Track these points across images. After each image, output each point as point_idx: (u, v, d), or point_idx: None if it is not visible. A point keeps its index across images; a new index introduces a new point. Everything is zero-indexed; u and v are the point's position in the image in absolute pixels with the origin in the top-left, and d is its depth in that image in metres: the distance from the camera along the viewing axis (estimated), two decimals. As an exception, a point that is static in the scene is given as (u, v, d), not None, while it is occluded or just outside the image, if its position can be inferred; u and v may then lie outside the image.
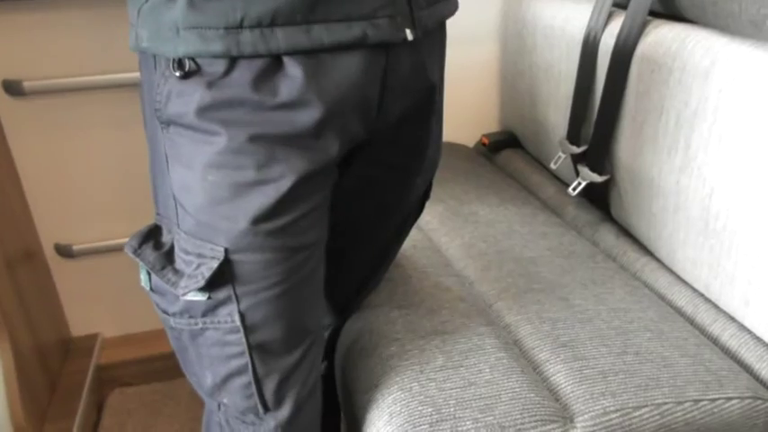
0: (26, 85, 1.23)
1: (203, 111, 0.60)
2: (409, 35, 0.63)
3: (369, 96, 0.65)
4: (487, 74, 1.53)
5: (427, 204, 0.93)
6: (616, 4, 1.07)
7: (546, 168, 1.36)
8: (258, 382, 0.70)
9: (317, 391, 0.77)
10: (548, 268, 1.00)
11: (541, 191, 1.31)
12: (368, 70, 0.63)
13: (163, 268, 0.68)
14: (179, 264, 0.68)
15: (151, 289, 0.71)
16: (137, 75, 1.21)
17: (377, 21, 0.61)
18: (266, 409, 0.72)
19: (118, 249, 1.41)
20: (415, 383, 0.76)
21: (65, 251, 1.41)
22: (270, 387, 0.71)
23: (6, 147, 1.29)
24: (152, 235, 0.71)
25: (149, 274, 0.70)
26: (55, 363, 1.40)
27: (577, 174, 1.15)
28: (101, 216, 1.40)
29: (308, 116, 0.61)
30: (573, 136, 1.16)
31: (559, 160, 1.21)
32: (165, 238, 0.70)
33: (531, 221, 1.16)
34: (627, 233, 1.11)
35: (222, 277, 0.65)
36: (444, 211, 1.19)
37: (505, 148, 1.51)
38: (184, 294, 0.66)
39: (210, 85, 0.59)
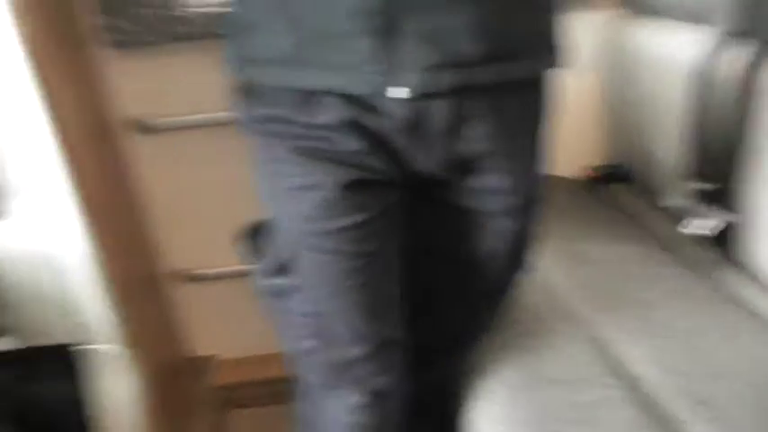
0: (153, 123, 1.32)
1: (257, 122, 0.73)
2: (392, 93, 0.65)
3: (397, 140, 0.70)
4: (592, 104, 1.50)
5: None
6: (729, 33, 1.02)
7: (657, 204, 1.33)
8: (324, 361, 0.81)
9: (395, 395, 0.83)
10: (670, 313, 0.97)
11: (655, 229, 1.27)
12: (394, 114, 0.67)
13: (256, 252, 0.83)
14: (269, 252, 0.81)
15: (254, 272, 0.85)
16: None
17: (355, 74, 0.65)
18: (332, 388, 0.81)
19: (237, 275, 1.48)
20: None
21: (187, 276, 1.50)
22: (334, 371, 0.81)
23: (137, 179, 1.39)
24: (257, 227, 0.86)
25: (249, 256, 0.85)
26: (178, 381, 1.48)
27: (696, 211, 1.12)
28: (221, 243, 1.47)
29: (342, 139, 0.69)
30: (690, 172, 1.12)
31: (675, 197, 1.17)
32: (266, 229, 0.84)
33: (647, 261, 1.13)
34: (752, 276, 1.07)
35: (290, 268, 0.77)
36: (553, 249, 1.17)
37: (613, 181, 1.47)
38: (263, 277, 0.81)
39: (262, 102, 0.72)
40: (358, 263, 0.74)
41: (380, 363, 0.80)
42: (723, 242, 1.11)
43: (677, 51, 1.12)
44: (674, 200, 1.18)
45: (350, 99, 0.67)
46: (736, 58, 0.95)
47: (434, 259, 0.86)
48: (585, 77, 1.47)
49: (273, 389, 1.51)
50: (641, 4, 1.29)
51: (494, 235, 0.83)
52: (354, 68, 0.65)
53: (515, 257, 0.88)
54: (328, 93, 0.67)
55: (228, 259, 1.47)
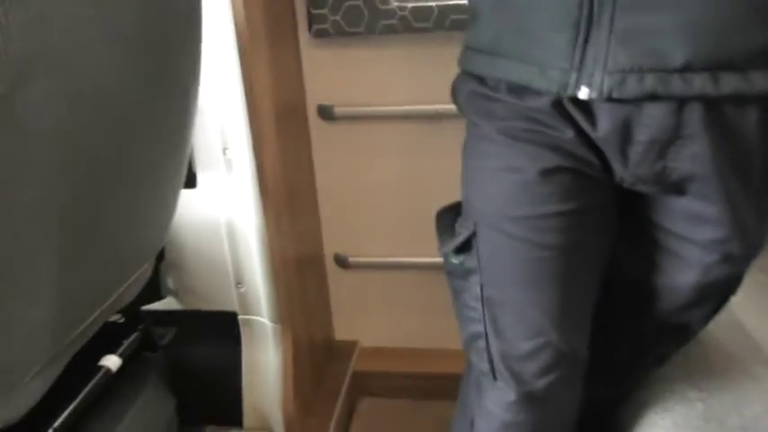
0: (337, 110, 1.36)
1: (467, 102, 0.75)
2: (583, 94, 0.61)
3: (604, 142, 0.65)
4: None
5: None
6: None
7: None
8: (489, 352, 0.78)
9: (558, 405, 0.79)
10: None
11: None
12: (608, 116, 0.63)
13: (445, 232, 0.82)
14: (456, 231, 0.79)
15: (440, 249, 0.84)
16: (436, 107, 1.30)
17: (548, 70, 0.63)
18: (495, 377, 0.79)
19: (389, 267, 1.50)
20: (720, 486, 0.66)
21: (342, 261, 1.53)
22: (498, 362, 0.77)
23: (311, 164, 1.45)
24: (458, 206, 0.83)
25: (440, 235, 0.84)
26: (321, 362, 1.52)
27: None
28: (380, 235, 1.49)
29: (556, 123, 0.66)
30: None
31: None
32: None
33: None
34: None
35: (471, 248, 0.76)
36: (751, 284, 1.03)
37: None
38: (444, 253, 0.80)
39: (478, 82, 0.73)
40: (542, 254, 0.71)
41: (547, 365, 0.76)
42: None
43: None
44: None
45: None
46: None
47: (619, 279, 0.80)
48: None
49: (409, 383, 1.51)
50: None
51: (688, 267, 0.74)
52: (545, 64, 0.63)
53: (709, 298, 0.79)
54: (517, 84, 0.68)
55: (385, 250, 1.49)
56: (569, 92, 0.62)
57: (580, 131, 0.66)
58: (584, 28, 0.60)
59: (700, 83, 0.59)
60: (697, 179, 0.65)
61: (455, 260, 0.79)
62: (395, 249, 1.49)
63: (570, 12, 0.60)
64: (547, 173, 0.68)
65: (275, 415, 1.31)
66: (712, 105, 0.60)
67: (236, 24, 1.05)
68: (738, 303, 1.00)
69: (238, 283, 1.26)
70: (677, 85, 0.59)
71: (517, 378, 0.77)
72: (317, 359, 1.50)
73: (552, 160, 0.67)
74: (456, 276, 0.81)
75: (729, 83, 0.59)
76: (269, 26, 1.18)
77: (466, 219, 0.77)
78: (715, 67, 0.58)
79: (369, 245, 1.51)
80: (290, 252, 1.31)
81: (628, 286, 0.81)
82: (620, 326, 0.85)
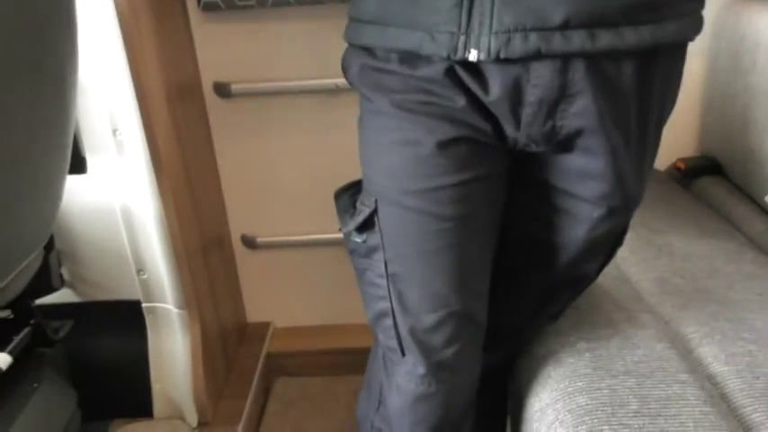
0: (234, 87, 1.33)
1: (359, 76, 0.73)
2: (473, 56, 0.62)
3: (496, 104, 0.66)
4: (688, 93, 1.40)
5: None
6: None
7: (754, 201, 1.22)
8: (396, 327, 0.78)
9: (463, 373, 0.81)
10: (759, 316, 0.89)
11: (748, 225, 1.18)
12: (500, 78, 0.64)
13: (346, 211, 0.81)
14: (357, 209, 0.79)
15: (344, 232, 0.83)
16: (335, 80, 1.29)
17: (437, 34, 0.63)
18: (403, 353, 0.79)
19: (298, 245, 1.48)
20: (606, 427, 0.70)
21: (250, 242, 1.51)
22: (406, 335, 0.78)
23: (211, 143, 1.41)
24: (356, 185, 0.82)
25: (340, 216, 0.83)
26: (232, 345, 1.50)
27: (798, 211, 1.02)
28: (287, 213, 1.47)
29: (446, 92, 0.67)
30: (796, 168, 1.03)
31: (777, 194, 1.08)
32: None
33: (737, 259, 1.04)
34: None
35: (372, 225, 0.75)
36: (635, 239, 1.10)
37: (704, 174, 1.37)
38: (347, 232, 0.79)
39: (369, 55, 0.71)
40: (443, 226, 0.72)
41: (452, 334, 0.77)
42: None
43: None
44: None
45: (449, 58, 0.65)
46: None
47: (515, 239, 0.83)
48: (689, 65, 1.37)
49: (324, 360, 1.51)
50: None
51: (579, 223, 0.77)
52: (434, 29, 0.63)
53: (599, 250, 0.83)
54: (406, 52, 0.67)
55: (293, 228, 1.48)
56: (459, 55, 0.63)
57: (473, 98, 0.67)
58: None
59: (579, 40, 0.61)
60: (584, 135, 0.68)
61: (358, 239, 0.78)
62: (303, 227, 1.48)
63: None
64: (443, 145, 0.68)
65: (187, 402, 1.28)
66: (592, 62, 0.63)
67: (115, 0, 1.00)
68: (623, 258, 1.07)
69: (139, 270, 1.21)
70: (558, 43, 0.61)
71: (425, 351, 0.78)
72: (229, 343, 1.47)
73: (448, 131, 0.68)
74: (359, 255, 0.80)
75: (604, 39, 0.61)
76: (153, 0, 1.13)
77: (366, 196, 0.76)
78: (591, 24, 0.61)
79: (276, 224, 1.49)
80: (192, 235, 1.27)
81: (523, 246, 0.83)
82: (518, 285, 0.87)
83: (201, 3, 1.25)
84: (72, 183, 1.12)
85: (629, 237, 1.10)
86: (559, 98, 0.65)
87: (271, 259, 1.53)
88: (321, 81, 1.32)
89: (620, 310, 0.91)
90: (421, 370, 0.79)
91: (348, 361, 1.49)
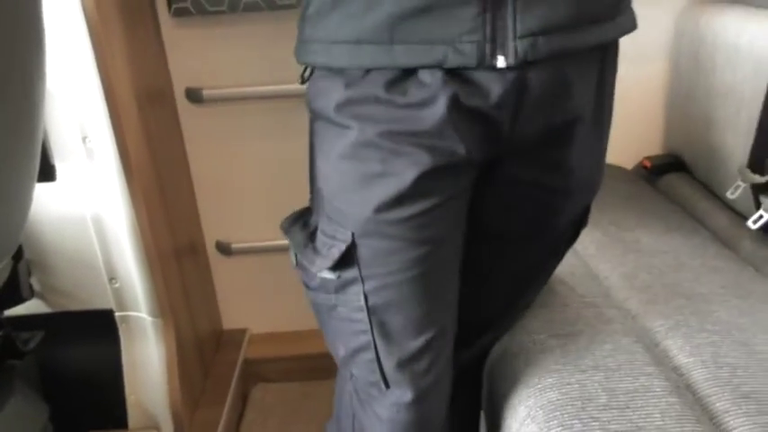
0: (205, 93, 1.33)
1: (340, 107, 0.68)
2: (501, 63, 0.62)
3: (498, 110, 0.66)
4: (653, 93, 1.44)
5: (584, 229, 0.88)
6: None
7: (717, 196, 1.25)
8: (379, 360, 0.75)
9: (442, 385, 0.80)
10: (723, 308, 0.91)
11: (712, 221, 1.21)
12: (498, 86, 0.64)
13: (305, 246, 0.76)
14: (318, 244, 0.75)
15: (297, 265, 0.79)
16: (305, 85, 1.29)
17: (461, 46, 0.62)
18: (387, 385, 0.76)
19: (273, 250, 1.48)
20: (577, 421, 0.72)
21: (224, 248, 1.50)
22: (390, 366, 0.75)
23: (183, 148, 1.40)
24: (302, 216, 0.81)
25: (296, 251, 0.79)
26: (208, 353, 1.49)
27: (759, 205, 1.05)
28: (261, 218, 1.47)
29: (432, 115, 0.65)
30: (756, 164, 1.06)
31: (738, 189, 1.10)
32: (313, 219, 0.78)
33: (702, 254, 1.07)
34: (816, 276, 0.99)
35: (349, 259, 0.71)
36: (602, 236, 1.12)
37: (669, 172, 1.41)
38: (318, 272, 0.74)
39: (349, 85, 0.67)
40: (423, 250, 0.70)
41: (435, 355, 0.76)
42: (787, 239, 1.05)
43: (756, 40, 1.06)
44: (738, 193, 1.11)
45: (448, 73, 0.64)
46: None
47: (486, 237, 0.82)
48: (653, 66, 1.41)
49: (302, 365, 1.51)
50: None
51: (556, 213, 0.79)
52: (456, 40, 0.62)
53: (570, 235, 0.86)
54: (426, 68, 0.64)
55: (268, 234, 1.48)
56: (487, 63, 0.62)
57: (466, 117, 0.66)
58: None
59: (581, 37, 0.66)
60: (572, 126, 0.71)
61: (330, 275, 0.73)
62: (278, 232, 1.46)
63: None
64: (426, 173, 0.67)
65: (162, 412, 1.27)
66: (584, 55, 0.67)
67: (84, 4, 1.00)
68: (592, 254, 1.09)
69: (111, 278, 1.20)
70: (571, 41, 0.65)
71: (413, 377, 0.76)
72: (205, 350, 1.47)
73: (429, 160, 0.66)
74: (327, 291, 0.76)
75: (599, 32, 0.67)
76: (123, 6, 1.12)
77: (336, 230, 0.72)
78: (594, 20, 0.66)
79: (251, 229, 1.49)
80: (165, 242, 1.26)
81: (496, 241, 0.83)
82: (492, 280, 0.88)
83: (172, 8, 1.25)
84: (41, 191, 1.11)
85: (597, 235, 1.13)
86: (559, 92, 0.67)
87: (246, 265, 1.52)
88: (294, 86, 1.31)
89: (588, 306, 0.93)
90: (408, 397, 0.76)
91: (326, 365, 1.48)
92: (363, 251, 0.71)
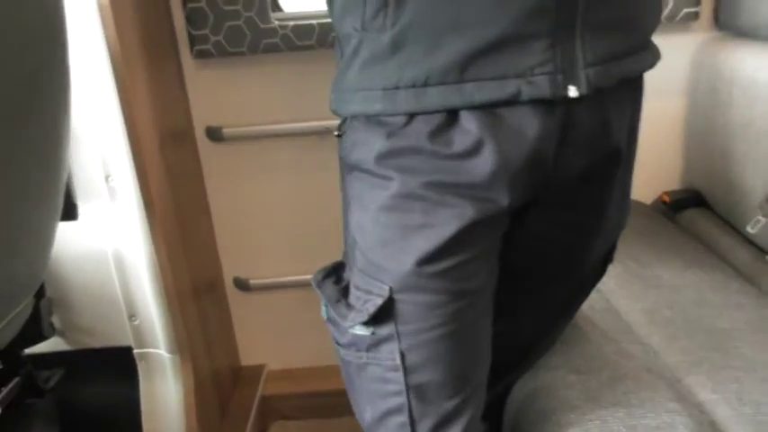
0: (225, 131, 1.35)
1: (381, 158, 0.65)
2: (573, 92, 0.61)
3: (545, 151, 0.64)
4: (671, 128, 1.44)
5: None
6: None
7: (738, 232, 1.24)
8: (413, 423, 0.71)
9: None
10: (746, 344, 0.89)
11: (733, 256, 1.19)
12: (545, 124, 0.63)
13: (338, 301, 0.73)
14: (351, 299, 0.72)
15: (327, 319, 0.76)
16: (324, 123, 1.32)
17: (534, 78, 0.61)
18: None
19: (291, 286, 1.49)
20: (598, 458, 0.70)
21: (243, 285, 1.51)
22: (424, 430, 0.72)
23: (203, 186, 1.43)
24: (335, 270, 0.77)
25: (327, 305, 0.75)
26: (226, 389, 1.49)
27: (781, 240, 1.04)
28: (278, 254, 1.48)
29: (481, 167, 0.63)
30: (776, 198, 1.05)
31: (758, 224, 1.09)
32: (346, 274, 0.75)
33: (724, 289, 1.05)
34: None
35: (386, 315, 0.68)
36: (623, 272, 1.12)
37: (688, 207, 1.40)
38: (351, 327, 0.70)
39: (390, 135, 0.64)
40: (464, 303, 0.68)
41: (472, 413, 0.73)
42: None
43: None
44: (759, 228, 1.10)
45: (492, 117, 0.62)
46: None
47: (515, 277, 0.80)
48: (672, 101, 1.41)
49: (320, 402, 1.50)
50: (739, 26, 1.23)
51: (587, 251, 0.78)
52: (528, 73, 0.61)
53: (598, 272, 0.85)
54: (472, 109, 0.62)
55: (285, 269, 1.49)
56: (559, 93, 0.61)
57: (507, 163, 0.64)
58: (560, 28, 0.60)
59: (633, 64, 0.67)
60: (611, 164, 0.71)
61: (363, 331, 0.70)
62: (295, 268, 1.48)
63: (544, 14, 0.60)
64: (468, 226, 0.65)
65: (181, 450, 1.26)
66: (621, 91, 0.67)
67: (109, 47, 1.03)
68: (612, 290, 1.08)
69: (131, 315, 1.21)
70: (628, 68, 0.66)
71: None
72: (223, 387, 1.46)
73: (472, 212, 0.65)
74: (359, 349, 0.72)
75: (639, 62, 0.68)
76: (146, 48, 1.16)
77: (372, 284, 0.69)
78: (637, 50, 0.67)
79: (269, 265, 1.50)
80: (185, 279, 1.27)
81: (523, 283, 0.81)
82: (517, 323, 0.86)
83: (194, 50, 1.28)
84: (63, 229, 1.14)
85: (617, 270, 1.12)
86: (600, 129, 0.67)
87: (264, 301, 1.53)
88: (311, 123, 1.34)
89: (609, 341, 0.92)
90: None
91: (344, 402, 1.47)
92: (402, 306, 0.68)
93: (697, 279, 1.09)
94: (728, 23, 1.28)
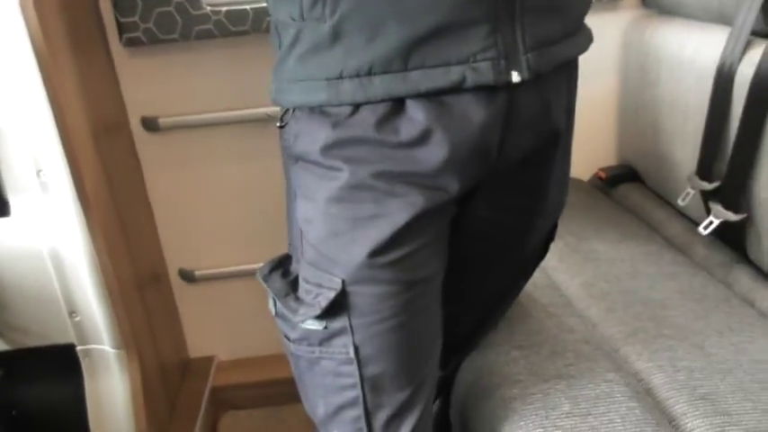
0: (161, 121, 1.32)
1: (328, 149, 0.64)
2: (515, 77, 0.62)
3: (490, 137, 0.65)
4: (605, 106, 1.48)
5: (549, 242, 0.90)
6: (755, 33, 1.00)
7: (669, 204, 1.29)
8: (368, 416, 0.71)
9: (427, 429, 0.76)
10: (678, 312, 0.94)
11: (666, 228, 1.24)
12: (489, 111, 0.63)
13: (286, 295, 0.71)
14: (301, 292, 0.70)
15: (276, 314, 0.75)
16: (263, 109, 1.30)
17: (476, 64, 0.61)
18: None
19: (237, 276, 1.47)
20: (540, 430, 0.73)
21: (188, 276, 1.49)
22: (379, 422, 0.71)
23: (141, 177, 1.39)
24: (282, 263, 0.75)
25: (275, 299, 0.73)
26: (175, 383, 1.47)
27: (708, 211, 1.08)
28: (223, 244, 1.46)
29: (430, 156, 0.63)
30: (704, 171, 1.09)
31: (688, 197, 1.14)
32: (293, 267, 0.74)
33: (657, 261, 1.10)
34: (765, 276, 1.03)
35: (338, 308, 0.67)
36: (563, 247, 1.15)
37: (623, 182, 1.45)
38: (302, 322, 0.69)
39: (336, 125, 0.63)
40: (416, 291, 0.68)
41: (425, 403, 0.73)
42: (737, 243, 1.08)
43: (699, 53, 1.10)
44: (689, 200, 1.15)
45: (437, 105, 0.62)
46: (761, 59, 0.92)
47: (460, 261, 0.80)
48: (604, 80, 1.45)
49: (271, 390, 1.50)
50: (665, 4, 1.27)
51: (530, 233, 0.80)
52: (471, 59, 0.61)
53: (540, 251, 0.87)
54: (417, 98, 0.62)
55: (228, 260, 1.47)
56: (502, 79, 0.61)
57: (454, 150, 0.64)
58: (500, 13, 0.60)
59: (568, 49, 0.68)
60: (551, 146, 0.72)
61: (315, 326, 0.69)
62: (240, 257, 1.47)
63: (487, 2, 0.60)
64: (419, 215, 0.65)
65: (130, 446, 1.24)
66: (557, 74, 0.69)
67: (32, 38, 0.99)
68: (553, 266, 1.11)
69: (72, 312, 1.18)
70: (564, 52, 0.67)
71: (398, 429, 0.72)
72: (171, 381, 1.44)
73: (423, 200, 0.65)
74: (311, 344, 0.71)
75: (574, 46, 0.70)
76: (72, 37, 1.11)
77: (323, 277, 0.68)
78: (571, 35, 0.69)
79: (213, 256, 1.48)
80: (126, 272, 1.24)
81: (471, 264, 0.82)
82: (466, 301, 0.87)
83: (123, 38, 1.24)
84: (-6, 227, 1.10)
85: (557, 246, 1.15)
86: (541, 112, 0.68)
87: (210, 292, 1.51)
88: (249, 111, 1.32)
89: (550, 316, 0.94)
90: None
91: (297, 390, 1.47)
92: (355, 299, 0.67)
93: (632, 252, 1.13)
94: (653, 1, 1.32)
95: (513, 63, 0.62)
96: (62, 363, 1.21)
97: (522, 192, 0.75)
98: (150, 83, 1.31)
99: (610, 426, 0.72)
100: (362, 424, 0.71)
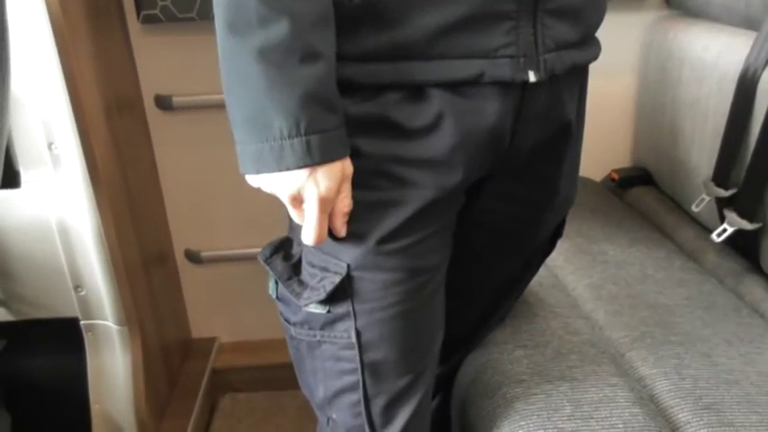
0: (175, 100, 1.31)
1: (357, 127, 0.63)
2: (532, 77, 0.63)
3: (502, 127, 0.65)
4: (621, 106, 1.46)
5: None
6: None
7: (683, 209, 1.28)
8: (367, 401, 0.71)
9: (425, 419, 0.77)
10: (686, 319, 0.93)
11: (678, 233, 1.23)
12: (503, 103, 0.64)
13: (289, 278, 0.71)
14: (304, 276, 0.70)
15: (277, 297, 0.75)
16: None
17: (497, 60, 0.61)
18: (372, 429, 0.73)
19: (243, 259, 1.47)
20: (542, 431, 0.72)
21: (194, 257, 1.49)
22: (378, 408, 0.72)
23: (152, 156, 1.39)
24: (283, 246, 0.75)
25: (277, 282, 0.73)
26: (176, 362, 1.47)
27: (722, 219, 1.07)
28: (230, 226, 1.46)
29: (441, 142, 0.63)
30: (720, 178, 1.08)
31: (702, 203, 1.13)
32: (295, 250, 0.74)
33: (667, 266, 1.08)
34: (776, 287, 1.02)
35: (343, 293, 0.67)
36: (571, 248, 1.14)
37: (637, 184, 1.43)
38: (306, 305, 0.69)
39: (351, 107, 0.62)
40: (421, 279, 0.68)
41: (424, 391, 0.74)
42: (750, 252, 1.07)
43: (722, 56, 1.08)
44: (703, 207, 1.13)
45: (454, 92, 0.62)
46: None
47: (466, 253, 0.80)
48: (622, 80, 1.43)
49: (271, 374, 1.50)
50: (691, 5, 1.25)
51: (538, 227, 0.80)
52: (491, 54, 0.61)
53: (547, 247, 0.87)
54: (436, 86, 0.62)
55: (235, 243, 1.47)
56: (519, 77, 0.62)
57: (467, 138, 0.64)
58: (522, 11, 0.61)
59: (584, 54, 0.70)
60: (561, 140, 0.72)
61: (319, 310, 0.68)
62: (247, 240, 1.47)
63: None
64: (428, 204, 0.65)
65: (127, 422, 1.25)
66: (572, 75, 0.70)
67: (49, 10, 0.98)
68: (560, 266, 1.10)
69: (77, 286, 1.18)
70: (579, 57, 0.69)
71: (398, 418, 0.72)
72: (172, 359, 1.45)
73: (433, 192, 0.65)
74: (312, 327, 0.71)
75: (589, 52, 0.71)
76: (89, 12, 1.11)
77: (329, 261, 0.67)
78: (588, 42, 0.71)
79: (220, 238, 1.47)
80: (133, 249, 1.24)
81: (477, 258, 0.82)
82: (469, 297, 0.87)
83: (141, 15, 1.23)
84: (5, 197, 1.09)
85: (565, 246, 1.15)
86: (553, 105, 0.68)
87: (215, 273, 1.51)
88: (264, 94, 1.31)
89: (556, 317, 0.94)
90: None
91: (293, 375, 1.48)
92: (359, 284, 0.66)
93: (642, 255, 1.12)
94: (678, 2, 1.30)
95: (531, 62, 0.62)
96: (65, 336, 1.21)
97: (532, 185, 0.75)
98: (166, 61, 1.30)
99: (612, 431, 0.71)
100: (361, 408, 0.72)
